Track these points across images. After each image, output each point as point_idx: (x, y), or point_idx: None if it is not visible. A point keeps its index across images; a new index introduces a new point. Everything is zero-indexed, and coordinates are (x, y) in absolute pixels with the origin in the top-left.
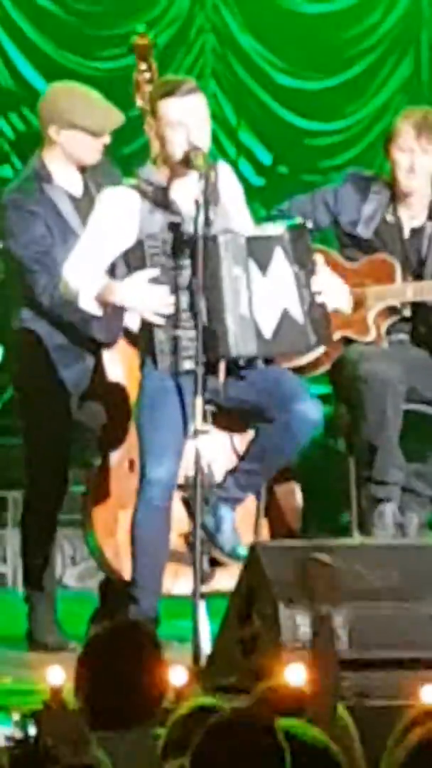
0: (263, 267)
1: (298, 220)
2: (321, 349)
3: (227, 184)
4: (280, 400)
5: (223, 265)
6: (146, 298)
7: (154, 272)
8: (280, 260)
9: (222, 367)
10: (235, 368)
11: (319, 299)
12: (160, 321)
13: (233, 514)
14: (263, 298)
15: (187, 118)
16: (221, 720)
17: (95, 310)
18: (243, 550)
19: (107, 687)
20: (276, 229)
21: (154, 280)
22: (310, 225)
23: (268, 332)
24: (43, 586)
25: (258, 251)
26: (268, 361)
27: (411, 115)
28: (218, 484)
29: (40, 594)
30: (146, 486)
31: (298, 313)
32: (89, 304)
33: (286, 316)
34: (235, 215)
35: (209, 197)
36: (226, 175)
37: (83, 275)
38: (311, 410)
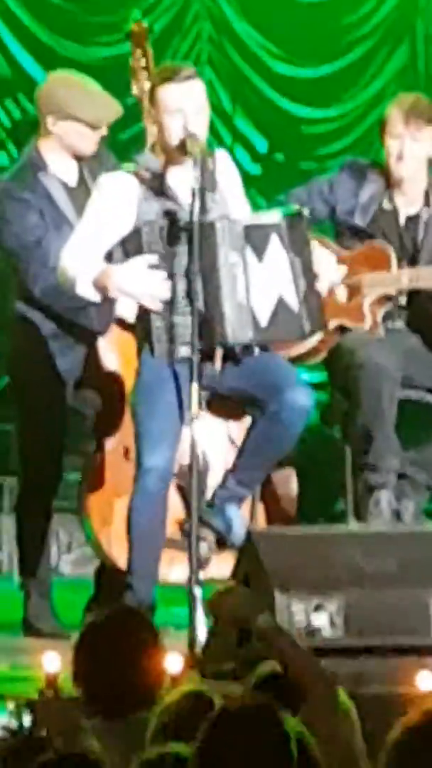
0: (260, 254)
1: (295, 207)
2: (317, 337)
3: (225, 172)
4: (269, 389)
5: (220, 252)
6: (144, 284)
7: (152, 258)
8: (276, 247)
9: (219, 354)
10: (230, 355)
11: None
12: (158, 307)
13: (240, 512)
14: (260, 285)
15: (184, 105)
16: (227, 709)
17: (93, 295)
18: None
19: (104, 674)
20: (272, 216)
21: (152, 266)
22: (306, 212)
23: (264, 319)
24: (38, 573)
25: (255, 238)
26: (263, 348)
27: (401, 101)
28: (220, 485)
29: (35, 581)
30: (143, 473)
31: (293, 301)
32: (87, 290)
33: (281, 303)
34: (232, 203)
35: (207, 185)
36: (224, 163)
37: (81, 261)
38: (300, 397)
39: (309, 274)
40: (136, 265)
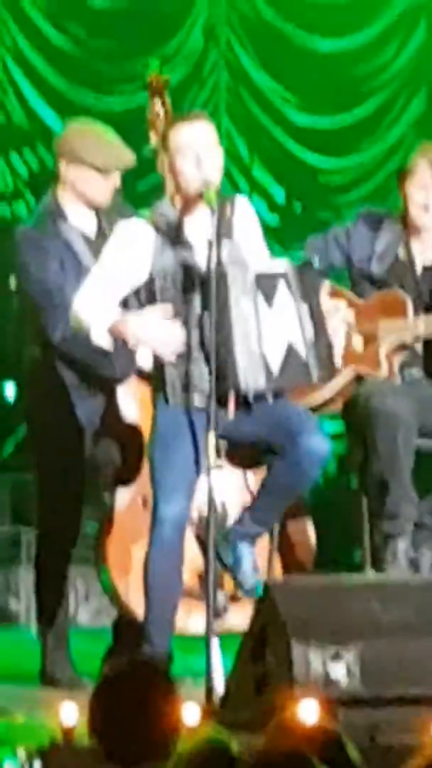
0: (270, 301)
1: (303, 257)
2: (333, 387)
3: (243, 218)
4: (288, 434)
5: (231, 299)
6: (159, 333)
7: (167, 307)
8: (284, 294)
9: (231, 401)
10: (243, 403)
11: (332, 332)
12: (172, 357)
13: (252, 551)
14: (271, 332)
15: (194, 142)
16: (260, 753)
17: (107, 344)
18: (261, 588)
19: (120, 725)
20: (280, 264)
21: (167, 316)
22: (316, 262)
23: (275, 367)
24: (56, 623)
25: (265, 286)
26: (276, 395)
27: (428, 151)
28: (236, 521)
29: (53, 631)
30: (157, 524)
31: (301, 348)
32: (101, 338)
33: (290, 350)
34: (249, 249)
35: (222, 232)
36: (242, 210)
37: (95, 308)
38: (318, 444)
39: (317, 321)
40: (151, 314)
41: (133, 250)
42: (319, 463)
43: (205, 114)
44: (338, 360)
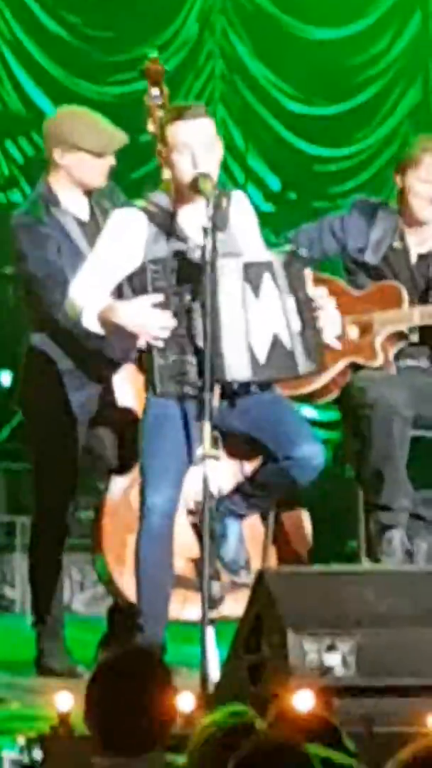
0: (256, 291)
1: (289, 247)
2: (329, 375)
3: (239, 212)
4: (282, 443)
5: (220, 289)
6: (148, 322)
7: (157, 297)
8: (268, 285)
9: (217, 391)
10: (228, 393)
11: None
12: (159, 344)
13: (240, 525)
14: (258, 323)
15: (192, 142)
16: (252, 747)
17: (98, 329)
18: (245, 563)
19: (116, 713)
20: (265, 255)
21: (157, 305)
22: (303, 253)
23: (261, 357)
24: (51, 611)
25: (252, 275)
26: (263, 386)
27: (430, 145)
28: (227, 496)
29: (48, 620)
30: (145, 512)
31: (286, 339)
32: (92, 324)
33: (275, 341)
34: (245, 243)
35: (217, 223)
36: (239, 203)
37: (89, 294)
38: (314, 456)
39: (304, 313)
40: (141, 302)
41: (127, 238)
42: (314, 473)
43: (204, 109)
44: (337, 344)
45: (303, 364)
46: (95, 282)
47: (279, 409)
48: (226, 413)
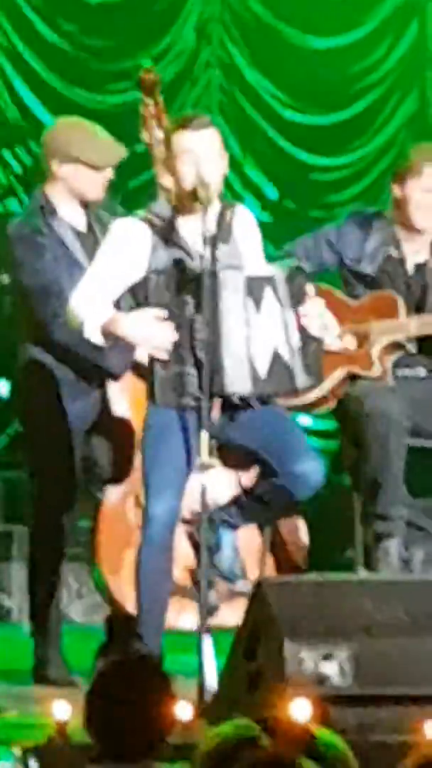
0: (258, 305)
1: (293, 262)
2: (327, 386)
3: (244, 227)
4: (281, 459)
5: (221, 302)
6: (150, 334)
7: (161, 312)
8: (270, 300)
9: (217, 404)
10: (229, 406)
11: (316, 328)
12: (163, 356)
13: (234, 535)
14: (259, 337)
15: (197, 152)
16: (251, 760)
17: (99, 340)
18: (240, 572)
19: (114, 720)
20: (267, 269)
21: (159, 317)
22: (306, 267)
23: (262, 371)
24: (48, 620)
25: (254, 289)
26: (263, 400)
27: (430, 154)
28: (222, 507)
29: (45, 628)
30: (148, 522)
31: (286, 354)
32: (94, 335)
33: (276, 355)
34: (246, 257)
35: (220, 234)
36: (244, 218)
37: (90, 305)
38: (313, 472)
39: (304, 329)
40: (144, 315)
41: (129, 248)
42: (312, 490)
43: (210, 121)
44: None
45: (302, 380)
46: (96, 293)
47: (279, 423)
48: (227, 426)
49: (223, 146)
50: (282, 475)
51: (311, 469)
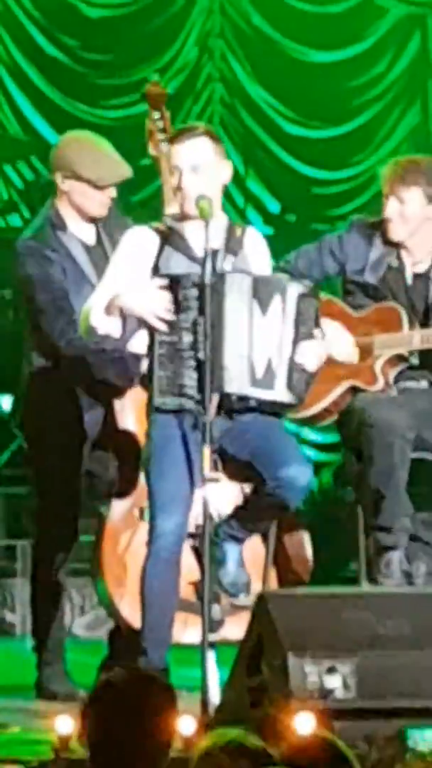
0: (264, 308)
1: (311, 284)
2: (326, 401)
3: (253, 247)
4: (269, 464)
5: (226, 304)
6: (152, 303)
7: (162, 281)
8: (277, 306)
9: (214, 402)
10: (226, 407)
11: (303, 360)
12: (162, 327)
13: (239, 548)
14: (261, 340)
15: (187, 163)
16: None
17: (105, 325)
18: (244, 586)
19: (114, 735)
20: (282, 276)
21: (162, 288)
22: (320, 298)
23: (259, 374)
24: (52, 635)
25: (262, 292)
26: (263, 411)
27: (395, 164)
28: (225, 520)
29: (49, 643)
30: (155, 537)
31: (276, 361)
32: (100, 321)
33: (269, 363)
34: (256, 271)
35: (228, 247)
36: (254, 239)
37: (94, 297)
38: (299, 477)
39: (299, 346)
40: (145, 286)
41: (139, 256)
42: (300, 494)
43: (201, 130)
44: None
45: (280, 391)
46: (106, 296)
47: (270, 431)
48: (224, 437)
49: (221, 155)
50: (270, 480)
51: (297, 473)
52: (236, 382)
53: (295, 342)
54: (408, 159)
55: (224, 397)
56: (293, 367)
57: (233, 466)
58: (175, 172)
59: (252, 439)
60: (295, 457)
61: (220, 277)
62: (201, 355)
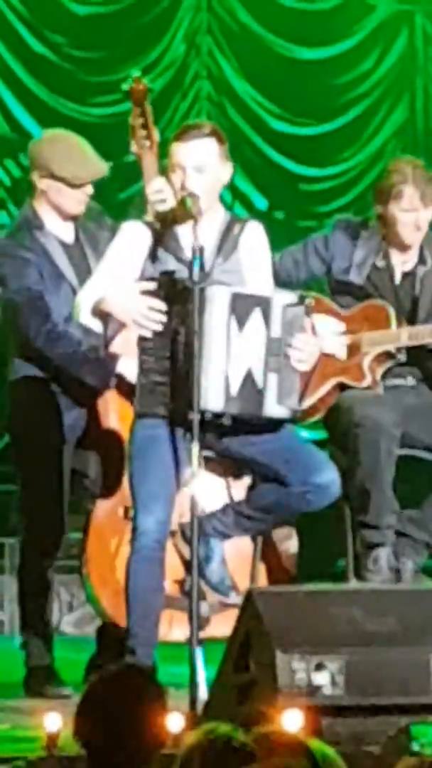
0: (241, 324)
1: (299, 293)
2: (313, 398)
3: (251, 242)
4: (301, 471)
5: (205, 317)
6: (135, 308)
7: (148, 285)
8: (257, 321)
9: (196, 421)
10: (203, 422)
11: (295, 359)
12: (147, 332)
13: (222, 546)
14: (236, 356)
15: (184, 163)
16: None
17: (92, 324)
18: (229, 582)
19: (106, 731)
20: (269, 290)
21: (147, 292)
22: (310, 302)
23: (234, 390)
24: (40, 632)
25: (239, 307)
26: (267, 428)
27: (408, 174)
28: (213, 516)
29: (37, 640)
30: (138, 536)
31: (259, 377)
32: (87, 318)
33: (248, 376)
34: (249, 274)
35: (221, 247)
36: (253, 234)
37: (83, 292)
38: (332, 484)
39: (287, 357)
40: (130, 289)
41: (131, 251)
42: (328, 501)
43: (208, 130)
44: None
45: (271, 408)
46: (97, 287)
47: (294, 438)
48: (233, 442)
49: (224, 155)
50: (300, 484)
51: (331, 480)
52: (210, 399)
53: (282, 352)
54: (422, 168)
55: (203, 414)
56: (283, 378)
57: (231, 465)
58: (177, 170)
59: (275, 442)
60: (329, 465)
61: (200, 290)
62: (179, 365)
